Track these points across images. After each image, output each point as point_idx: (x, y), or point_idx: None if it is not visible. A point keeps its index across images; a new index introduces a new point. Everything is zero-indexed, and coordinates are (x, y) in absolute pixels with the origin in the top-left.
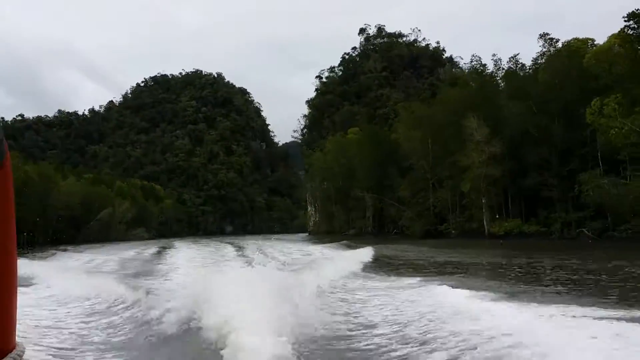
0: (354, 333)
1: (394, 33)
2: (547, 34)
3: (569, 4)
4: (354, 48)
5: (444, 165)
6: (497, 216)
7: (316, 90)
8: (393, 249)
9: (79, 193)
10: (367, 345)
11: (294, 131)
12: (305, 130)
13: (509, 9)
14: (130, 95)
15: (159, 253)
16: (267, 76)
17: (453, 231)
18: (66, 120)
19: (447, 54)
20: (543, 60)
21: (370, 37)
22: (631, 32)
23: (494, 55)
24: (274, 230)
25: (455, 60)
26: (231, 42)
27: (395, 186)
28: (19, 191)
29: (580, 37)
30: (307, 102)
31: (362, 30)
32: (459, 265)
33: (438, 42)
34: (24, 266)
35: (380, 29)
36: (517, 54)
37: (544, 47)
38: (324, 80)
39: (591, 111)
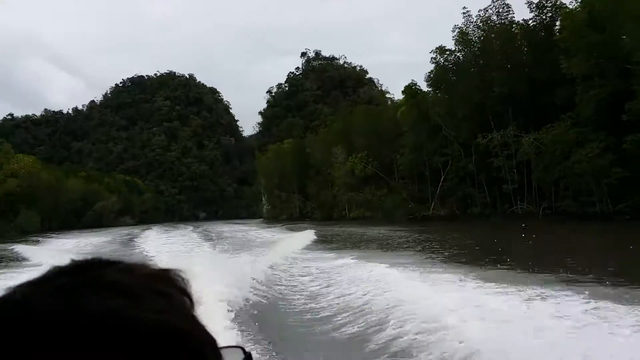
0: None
1: (329, 57)
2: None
3: None
4: (297, 68)
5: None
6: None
7: (267, 103)
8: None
9: (79, 190)
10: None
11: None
12: (259, 135)
13: None
14: (110, 95)
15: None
16: (240, 62)
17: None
18: (52, 119)
19: (369, 75)
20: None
21: (310, 59)
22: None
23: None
24: (240, 216)
25: (374, 80)
26: (201, 30)
27: (307, 184)
28: (42, 190)
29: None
30: (260, 112)
31: (303, 54)
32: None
33: (361, 66)
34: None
35: (317, 53)
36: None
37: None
38: (273, 94)
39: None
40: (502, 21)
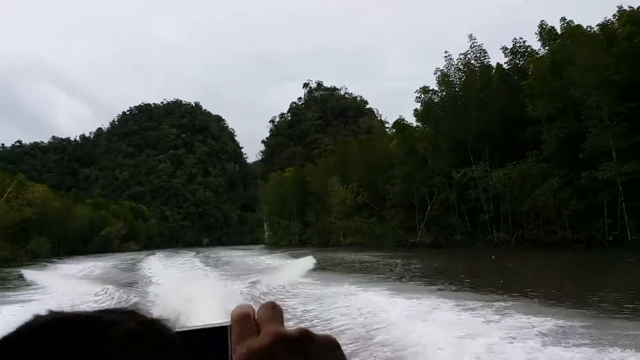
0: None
1: (330, 87)
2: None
3: None
4: (300, 98)
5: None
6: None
7: (270, 132)
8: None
9: (86, 216)
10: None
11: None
12: (262, 163)
13: None
14: (117, 122)
15: (146, 257)
16: (245, 88)
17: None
18: (60, 146)
19: (369, 105)
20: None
21: (312, 90)
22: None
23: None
24: (244, 242)
25: (374, 110)
26: (208, 55)
27: (307, 212)
28: (53, 217)
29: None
30: (263, 141)
31: (305, 85)
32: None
33: (362, 96)
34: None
35: (319, 84)
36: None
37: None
38: (276, 124)
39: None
40: (480, 64)
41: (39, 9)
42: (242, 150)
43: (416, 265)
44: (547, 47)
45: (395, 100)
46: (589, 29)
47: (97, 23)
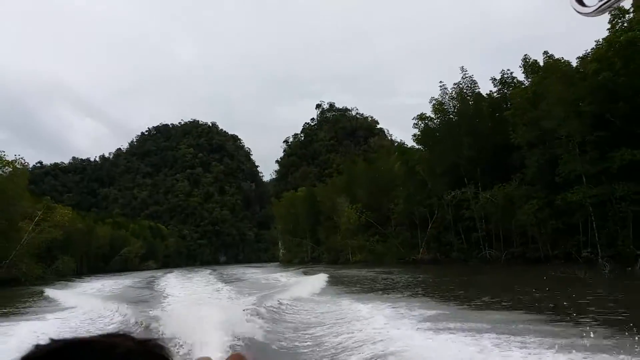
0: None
1: (342, 108)
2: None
3: None
4: (313, 119)
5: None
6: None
7: (284, 151)
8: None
9: (107, 236)
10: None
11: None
12: (276, 182)
13: None
14: (136, 143)
15: (164, 275)
16: (261, 106)
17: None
18: (80, 167)
19: (380, 125)
20: None
21: (325, 110)
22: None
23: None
24: (261, 259)
25: (384, 130)
26: (224, 73)
27: (318, 230)
28: (77, 237)
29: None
30: (277, 161)
31: (318, 106)
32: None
33: (372, 117)
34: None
35: (331, 105)
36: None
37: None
38: (289, 144)
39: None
40: (471, 94)
41: (55, 30)
42: (257, 168)
43: (405, 279)
44: (529, 80)
45: (408, 116)
46: (567, 63)
47: (113, 44)
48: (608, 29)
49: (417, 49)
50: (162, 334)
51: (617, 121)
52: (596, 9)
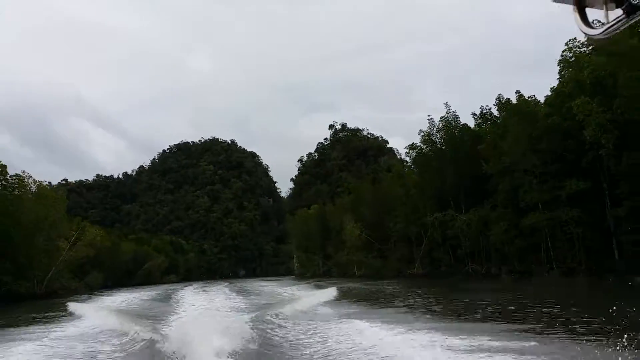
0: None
1: (354, 128)
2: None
3: None
4: (326, 139)
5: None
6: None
7: (298, 170)
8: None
9: (131, 251)
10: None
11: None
12: (291, 199)
13: None
14: (157, 160)
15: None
16: (279, 120)
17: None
18: (103, 184)
19: (389, 145)
20: None
21: (337, 130)
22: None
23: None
24: (278, 273)
25: (394, 149)
26: (242, 87)
27: (328, 246)
28: (104, 253)
29: None
30: (292, 179)
31: (331, 126)
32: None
33: (382, 136)
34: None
35: (343, 125)
36: None
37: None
38: (304, 163)
39: None
40: (455, 126)
41: (72, 45)
42: (275, 184)
43: (387, 290)
44: (502, 116)
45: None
46: (536, 102)
47: (129, 59)
48: (558, 78)
49: (432, 60)
50: (165, 349)
51: (569, 155)
52: (603, 31)
